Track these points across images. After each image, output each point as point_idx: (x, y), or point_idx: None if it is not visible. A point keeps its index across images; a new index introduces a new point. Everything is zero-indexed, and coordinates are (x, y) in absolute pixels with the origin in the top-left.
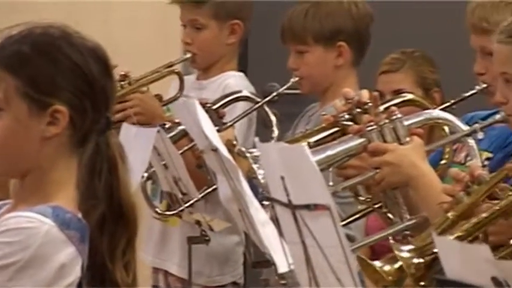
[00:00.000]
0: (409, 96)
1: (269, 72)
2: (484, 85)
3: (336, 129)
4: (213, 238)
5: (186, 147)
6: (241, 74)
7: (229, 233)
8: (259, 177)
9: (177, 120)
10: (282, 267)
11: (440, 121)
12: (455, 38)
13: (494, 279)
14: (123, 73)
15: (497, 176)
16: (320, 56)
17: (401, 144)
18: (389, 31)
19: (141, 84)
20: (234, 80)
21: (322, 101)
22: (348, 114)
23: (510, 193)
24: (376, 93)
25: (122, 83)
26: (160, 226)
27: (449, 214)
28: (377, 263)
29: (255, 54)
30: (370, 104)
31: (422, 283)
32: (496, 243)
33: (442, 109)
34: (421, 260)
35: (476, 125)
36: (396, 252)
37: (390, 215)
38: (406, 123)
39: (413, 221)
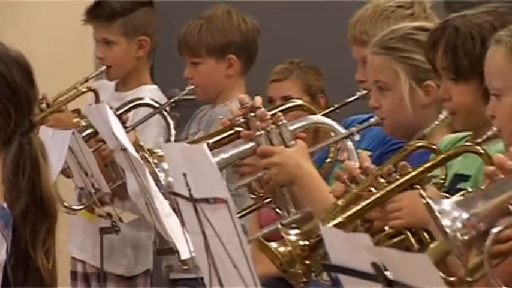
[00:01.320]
0: (298, 102)
1: (173, 78)
2: (364, 91)
3: (232, 131)
4: (128, 232)
5: (92, 149)
6: (155, 86)
7: (142, 227)
8: (161, 179)
9: (84, 124)
10: (185, 254)
11: (321, 125)
12: (339, 48)
13: (374, 264)
14: (40, 96)
15: (382, 169)
16: (212, 67)
17: (287, 147)
18: (278, 43)
19: (59, 106)
20: (149, 94)
21: (212, 105)
22: (243, 117)
23: (386, 184)
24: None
25: (41, 106)
26: (84, 221)
27: (339, 201)
28: (273, 245)
29: (160, 63)
30: (261, 110)
31: (307, 262)
32: (380, 228)
33: (326, 113)
34: (306, 242)
35: (353, 128)
36: (284, 236)
37: (278, 210)
38: (290, 127)
39: (298, 215)
